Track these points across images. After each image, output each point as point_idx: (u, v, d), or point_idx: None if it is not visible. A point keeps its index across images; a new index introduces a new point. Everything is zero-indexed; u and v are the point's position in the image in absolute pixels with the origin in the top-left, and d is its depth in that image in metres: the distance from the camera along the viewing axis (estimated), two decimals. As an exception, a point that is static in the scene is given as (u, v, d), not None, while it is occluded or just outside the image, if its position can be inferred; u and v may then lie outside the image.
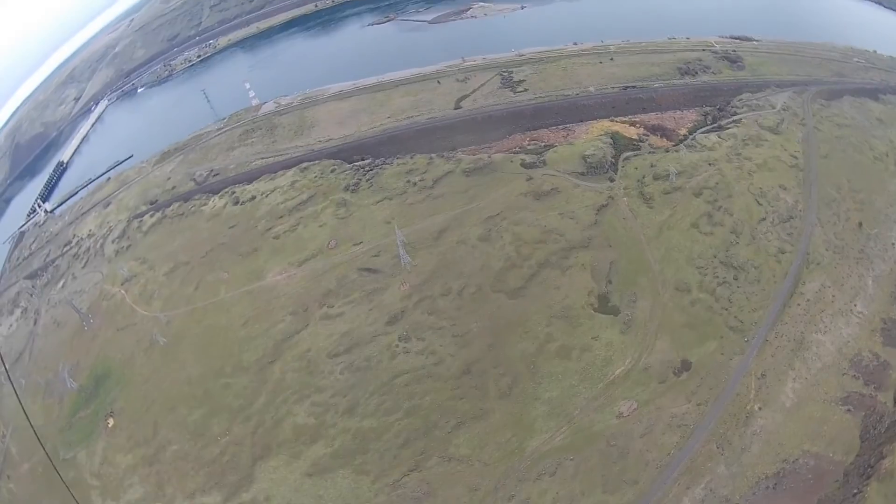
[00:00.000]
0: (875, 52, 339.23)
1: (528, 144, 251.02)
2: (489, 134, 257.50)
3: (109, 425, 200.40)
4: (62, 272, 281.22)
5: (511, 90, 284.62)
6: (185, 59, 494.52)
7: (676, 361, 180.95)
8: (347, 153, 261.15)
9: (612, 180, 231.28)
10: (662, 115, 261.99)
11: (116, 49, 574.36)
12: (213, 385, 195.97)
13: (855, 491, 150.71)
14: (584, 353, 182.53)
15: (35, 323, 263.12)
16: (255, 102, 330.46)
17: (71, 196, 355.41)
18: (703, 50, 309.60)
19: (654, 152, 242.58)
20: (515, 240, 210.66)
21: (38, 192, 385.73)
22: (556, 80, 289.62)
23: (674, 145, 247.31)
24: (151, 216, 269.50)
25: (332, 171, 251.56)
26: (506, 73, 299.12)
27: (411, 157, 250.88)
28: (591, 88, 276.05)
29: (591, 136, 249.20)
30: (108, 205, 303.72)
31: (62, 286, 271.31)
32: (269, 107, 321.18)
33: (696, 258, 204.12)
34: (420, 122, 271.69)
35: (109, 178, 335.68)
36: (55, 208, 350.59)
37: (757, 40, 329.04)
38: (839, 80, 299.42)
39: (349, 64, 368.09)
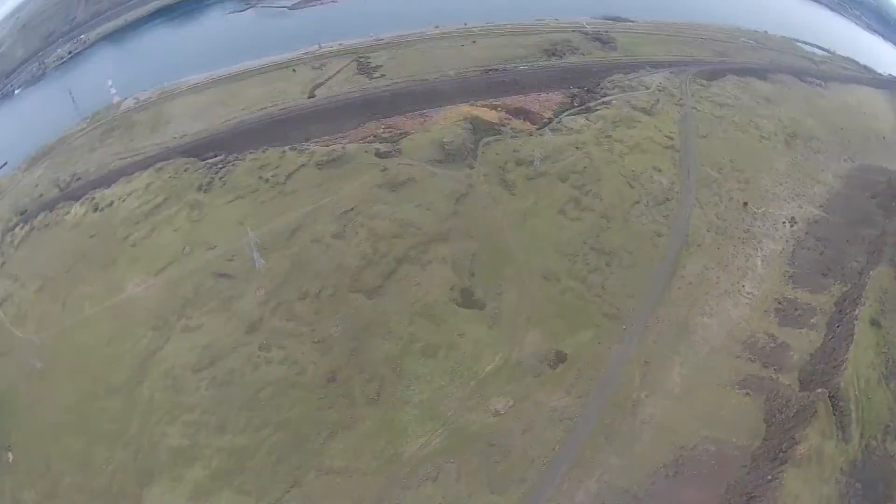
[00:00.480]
0: (766, 32, 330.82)
1: (383, 133, 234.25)
2: (343, 123, 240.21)
3: (10, 460, 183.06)
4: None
5: (367, 76, 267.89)
6: (56, 57, 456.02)
7: (550, 354, 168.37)
8: (201, 149, 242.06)
9: (471, 167, 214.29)
10: (525, 98, 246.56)
11: (1, 49, 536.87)
12: (88, 410, 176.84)
13: (769, 477, 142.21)
14: (451, 352, 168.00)
15: None
16: (116, 100, 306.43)
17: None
18: (573, 31, 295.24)
19: (516, 137, 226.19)
20: (371, 235, 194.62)
21: None
22: (415, 65, 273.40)
23: (538, 129, 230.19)
24: (21, 228, 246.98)
25: (186, 171, 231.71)
26: (363, 59, 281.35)
27: (263, 152, 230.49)
28: (451, 72, 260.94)
29: (449, 121, 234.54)
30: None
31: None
32: (129, 103, 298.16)
33: (564, 245, 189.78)
34: (273, 113, 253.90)
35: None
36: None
37: (632, 21, 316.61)
38: (722, 60, 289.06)
39: (207, 54, 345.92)
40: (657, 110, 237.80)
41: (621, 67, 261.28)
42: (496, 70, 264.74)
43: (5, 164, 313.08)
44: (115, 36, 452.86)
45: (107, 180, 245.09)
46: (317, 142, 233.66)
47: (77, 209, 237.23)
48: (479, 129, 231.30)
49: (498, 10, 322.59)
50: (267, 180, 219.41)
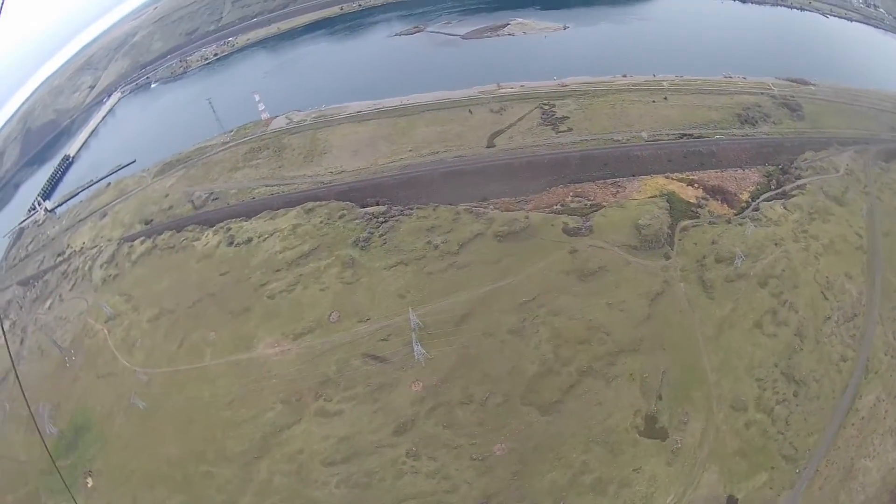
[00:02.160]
0: None
1: (572, 201, 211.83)
2: (527, 184, 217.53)
3: (89, 485, 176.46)
4: (51, 289, 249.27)
5: (553, 128, 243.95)
6: (201, 56, 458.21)
7: (722, 498, 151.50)
8: (360, 193, 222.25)
9: (668, 258, 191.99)
10: (723, 174, 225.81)
11: (135, 39, 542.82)
12: (194, 471, 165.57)
13: None
14: (622, 489, 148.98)
15: (21, 343, 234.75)
16: (265, 116, 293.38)
17: (71, 197, 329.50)
18: (762, 93, 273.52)
19: (714, 223, 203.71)
20: (554, 336, 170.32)
21: (41, 187, 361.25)
22: (604, 119, 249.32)
23: (735, 214, 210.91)
24: (142, 242, 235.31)
25: (341, 217, 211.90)
26: (547, 107, 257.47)
27: (434, 209, 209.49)
28: (644, 134, 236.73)
29: (645, 194, 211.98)
30: (104, 216, 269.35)
31: (49, 307, 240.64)
32: (280, 122, 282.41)
33: (757, 367, 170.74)
34: (447, 161, 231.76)
35: (109, 184, 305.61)
36: (55, 207, 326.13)
37: (813, 84, 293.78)
38: (894, 135, 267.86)
39: (371, 79, 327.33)
40: (847, 200, 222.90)
41: (812, 144, 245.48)
42: (691, 136, 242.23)
43: (133, 161, 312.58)
44: (266, 43, 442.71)
45: (247, 210, 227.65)
46: (496, 204, 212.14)
47: (209, 237, 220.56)
48: (676, 208, 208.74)
49: (684, 61, 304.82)
50: (436, 246, 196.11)
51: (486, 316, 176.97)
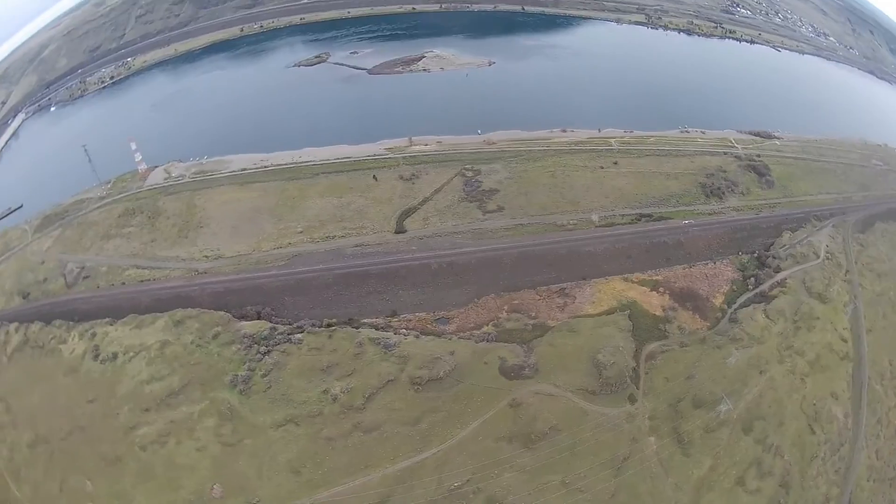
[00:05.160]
0: (886, 145, 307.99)
1: (508, 319, 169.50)
2: (448, 293, 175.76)
3: None
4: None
5: (479, 206, 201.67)
6: (99, 79, 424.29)
7: None
8: (238, 297, 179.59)
9: (633, 401, 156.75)
10: (692, 271, 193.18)
11: (45, 53, 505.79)
12: None
13: None
14: None
15: None
16: (142, 168, 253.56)
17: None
18: (724, 153, 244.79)
19: (687, 345, 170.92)
20: None
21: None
22: (543, 193, 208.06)
23: (710, 327, 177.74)
24: (16, 330, 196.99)
25: (216, 337, 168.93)
26: (470, 173, 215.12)
27: (330, 336, 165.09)
28: (594, 216, 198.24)
29: (600, 306, 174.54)
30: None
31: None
32: (158, 176, 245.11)
33: None
34: (345, 251, 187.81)
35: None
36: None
37: (777, 138, 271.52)
38: (865, 196, 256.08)
39: (261, 121, 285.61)
40: (830, 295, 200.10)
41: (787, 221, 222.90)
42: (650, 217, 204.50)
43: (20, 206, 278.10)
44: (164, 66, 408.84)
45: (114, 306, 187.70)
46: (409, 322, 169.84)
47: (75, 342, 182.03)
48: (640, 326, 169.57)
49: (630, 109, 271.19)
50: (335, 398, 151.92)
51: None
